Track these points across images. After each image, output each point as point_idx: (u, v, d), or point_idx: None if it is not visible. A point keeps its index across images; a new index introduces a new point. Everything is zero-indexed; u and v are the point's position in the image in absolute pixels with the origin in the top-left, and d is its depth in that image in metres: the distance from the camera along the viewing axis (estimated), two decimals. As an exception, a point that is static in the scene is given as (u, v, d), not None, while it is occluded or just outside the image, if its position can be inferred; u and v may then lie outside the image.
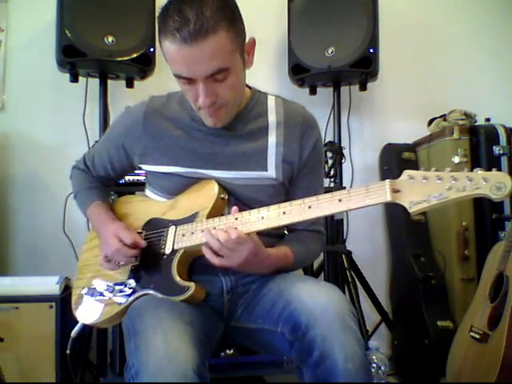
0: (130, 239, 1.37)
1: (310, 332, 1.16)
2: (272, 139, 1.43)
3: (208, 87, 1.26)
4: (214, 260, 1.26)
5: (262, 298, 1.35)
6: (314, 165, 1.48)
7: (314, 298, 1.21)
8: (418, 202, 1.07)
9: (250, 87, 1.47)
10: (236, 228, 1.25)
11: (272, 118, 1.45)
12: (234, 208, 1.30)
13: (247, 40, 1.33)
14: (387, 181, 1.11)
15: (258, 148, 1.42)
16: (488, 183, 1.03)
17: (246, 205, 1.38)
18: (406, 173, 1.11)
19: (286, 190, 1.46)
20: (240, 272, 1.41)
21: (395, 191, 1.10)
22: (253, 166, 1.41)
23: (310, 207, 1.21)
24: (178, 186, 1.44)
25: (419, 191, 1.08)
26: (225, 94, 1.30)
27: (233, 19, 1.25)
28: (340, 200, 1.17)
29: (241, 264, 1.26)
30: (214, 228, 1.30)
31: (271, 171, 1.42)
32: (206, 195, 1.39)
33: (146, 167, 1.48)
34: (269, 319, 1.29)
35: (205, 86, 1.26)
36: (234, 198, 1.41)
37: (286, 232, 1.51)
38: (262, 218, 1.26)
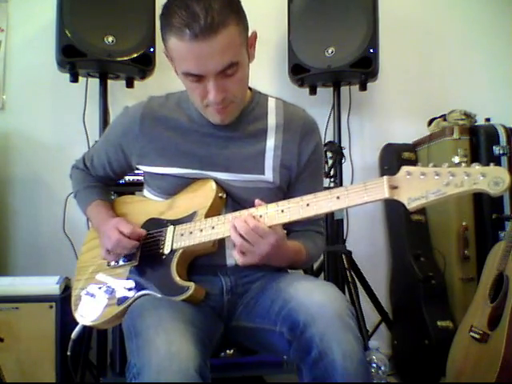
0: (129, 230, 1.37)
1: (308, 330, 1.15)
2: (270, 142, 1.42)
3: (218, 83, 1.25)
4: (238, 258, 1.24)
5: (261, 297, 1.35)
6: (313, 169, 1.47)
7: (312, 297, 1.20)
8: (416, 198, 1.07)
9: (250, 88, 1.46)
10: (255, 218, 1.22)
11: (272, 120, 1.44)
12: (257, 201, 1.26)
13: (249, 34, 1.32)
14: (385, 177, 1.11)
15: (255, 151, 1.41)
16: (486, 178, 1.02)
17: (243, 206, 1.37)
18: (404, 169, 1.10)
19: (284, 193, 1.44)
20: (240, 272, 1.41)
21: (393, 187, 1.10)
22: (250, 169, 1.40)
23: (308, 205, 1.20)
24: (174, 187, 1.44)
25: (417, 187, 1.07)
26: (234, 89, 1.29)
27: (239, 12, 1.25)
28: (338, 197, 1.16)
29: (262, 259, 1.24)
30: (213, 227, 1.30)
31: (268, 175, 1.41)
32: (204, 194, 1.39)
33: (143, 168, 1.48)
34: (267, 318, 1.29)
35: (215, 82, 1.24)
36: (232, 199, 1.41)
37: None
38: (261, 216, 1.25)
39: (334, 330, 1.13)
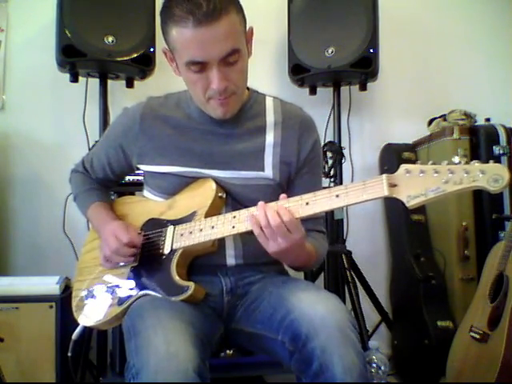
0: (126, 238, 1.37)
1: (310, 343, 1.14)
2: (269, 139, 1.43)
3: (221, 71, 1.26)
4: (260, 236, 1.21)
5: (262, 303, 1.34)
6: (312, 166, 1.48)
7: (315, 309, 1.19)
8: (416, 195, 1.06)
9: (248, 88, 1.47)
10: (289, 211, 1.20)
11: (270, 118, 1.45)
12: (283, 195, 1.24)
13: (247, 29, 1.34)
14: (384, 175, 1.10)
15: (255, 148, 1.42)
16: (485, 175, 1.02)
17: (242, 205, 1.37)
18: (403, 167, 1.10)
19: (284, 190, 1.44)
20: (239, 272, 1.41)
21: (392, 185, 1.09)
22: (250, 166, 1.41)
23: (307, 203, 1.19)
24: (174, 186, 1.44)
25: (416, 185, 1.07)
26: (236, 78, 1.30)
27: (238, 3, 1.29)
28: (337, 196, 1.16)
29: (279, 252, 1.22)
30: (212, 227, 1.30)
31: (268, 171, 1.42)
32: (203, 194, 1.39)
33: (143, 167, 1.48)
34: (269, 326, 1.28)
35: (218, 70, 1.25)
36: (231, 198, 1.41)
37: None
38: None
39: (335, 343, 1.12)
